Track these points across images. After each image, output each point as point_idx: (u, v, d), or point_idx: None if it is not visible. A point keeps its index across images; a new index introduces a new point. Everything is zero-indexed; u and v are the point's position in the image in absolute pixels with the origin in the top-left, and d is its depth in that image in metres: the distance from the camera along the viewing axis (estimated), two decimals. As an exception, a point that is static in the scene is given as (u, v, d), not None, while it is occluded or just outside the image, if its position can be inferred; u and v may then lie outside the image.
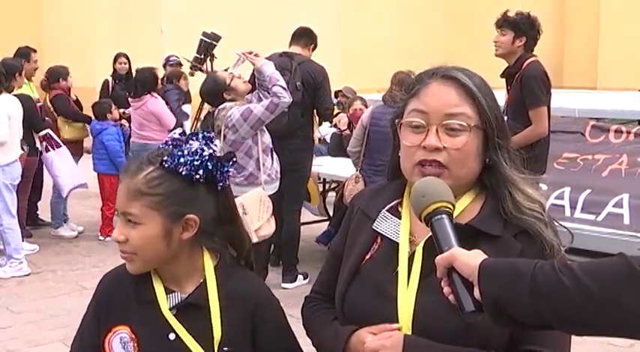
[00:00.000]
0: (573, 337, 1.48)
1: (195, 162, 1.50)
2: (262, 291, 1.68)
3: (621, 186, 5.97)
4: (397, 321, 1.43)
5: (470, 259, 1.26)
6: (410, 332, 1.42)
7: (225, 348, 1.56)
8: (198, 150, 1.51)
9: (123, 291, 1.60)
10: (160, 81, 7.71)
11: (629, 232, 5.62)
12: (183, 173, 1.50)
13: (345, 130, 7.27)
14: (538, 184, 1.60)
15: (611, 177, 6.12)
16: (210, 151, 1.52)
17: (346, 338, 1.49)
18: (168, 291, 1.58)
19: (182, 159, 1.50)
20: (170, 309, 1.57)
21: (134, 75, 7.49)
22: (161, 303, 1.57)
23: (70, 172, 6.76)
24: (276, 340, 1.65)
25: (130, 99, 7.50)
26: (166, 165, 1.51)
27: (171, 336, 1.55)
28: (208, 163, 1.51)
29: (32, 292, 5.50)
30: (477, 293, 1.24)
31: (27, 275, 5.88)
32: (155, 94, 7.33)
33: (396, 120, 1.55)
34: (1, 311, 5.10)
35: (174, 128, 7.20)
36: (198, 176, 1.51)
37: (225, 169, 1.55)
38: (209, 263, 1.61)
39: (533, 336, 1.41)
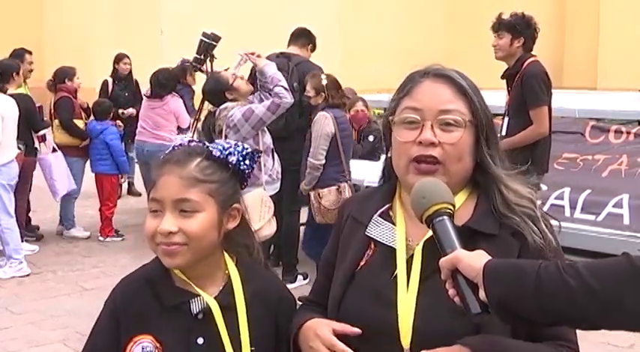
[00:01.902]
0: (573, 337, 1.49)
1: (243, 152, 1.56)
2: (282, 287, 1.70)
3: (621, 186, 5.97)
4: (397, 326, 1.42)
5: (474, 261, 1.26)
6: (410, 334, 1.41)
7: (252, 348, 1.55)
8: (238, 144, 1.58)
9: (141, 300, 1.56)
10: None
11: (629, 232, 5.62)
12: (233, 161, 1.54)
13: None
14: (538, 184, 1.61)
15: (611, 178, 6.12)
16: (246, 146, 1.59)
17: (301, 323, 1.51)
18: (192, 296, 1.54)
19: (230, 150, 1.55)
20: (197, 314, 1.53)
21: (150, 76, 7.43)
22: (204, 296, 1.54)
23: (65, 177, 6.78)
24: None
25: (147, 99, 7.48)
26: (216, 155, 1.54)
27: (200, 340, 1.52)
28: (249, 155, 1.57)
29: (32, 293, 5.50)
30: (482, 294, 1.24)
31: (27, 275, 5.87)
32: (176, 94, 7.40)
33: (390, 119, 1.54)
34: (1, 311, 5.09)
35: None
36: (245, 166, 1.56)
37: (252, 165, 1.60)
38: (231, 263, 1.60)
39: (543, 331, 1.40)
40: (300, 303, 1.70)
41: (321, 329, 1.46)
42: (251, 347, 1.54)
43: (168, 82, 7.31)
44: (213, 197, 1.51)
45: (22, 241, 6.27)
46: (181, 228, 1.48)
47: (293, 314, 1.64)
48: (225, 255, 1.61)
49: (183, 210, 1.49)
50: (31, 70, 7.58)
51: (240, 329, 1.53)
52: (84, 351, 1.62)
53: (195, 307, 1.53)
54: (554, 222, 1.53)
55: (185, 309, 1.53)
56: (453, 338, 1.38)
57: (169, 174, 1.51)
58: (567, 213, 5.95)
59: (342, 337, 1.49)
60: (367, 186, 5.30)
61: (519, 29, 4.83)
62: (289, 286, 5.75)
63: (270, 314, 1.60)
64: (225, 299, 1.55)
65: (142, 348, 1.53)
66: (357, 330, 1.44)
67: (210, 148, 1.55)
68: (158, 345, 1.53)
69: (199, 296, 1.54)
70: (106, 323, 1.59)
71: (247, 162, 1.57)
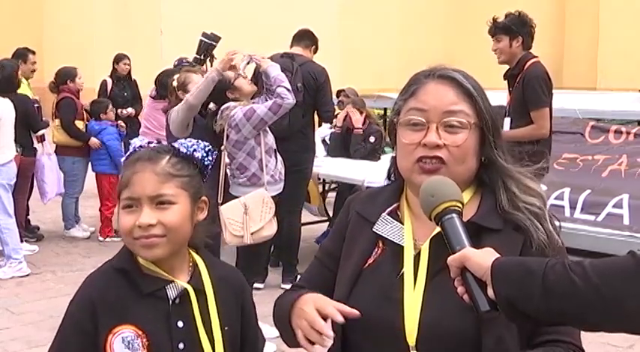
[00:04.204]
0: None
1: (205, 149, 1.66)
2: (242, 276, 1.80)
3: (621, 186, 5.98)
4: (403, 323, 1.43)
5: (482, 259, 1.27)
6: (416, 332, 1.41)
7: (226, 327, 1.63)
8: (200, 142, 1.67)
9: (116, 290, 1.60)
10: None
11: (629, 232, 5.63)
12: (199, 157, 1.65)
13: (355, 129, 7.21)
14: (541, 178, 1.61)
15: (611, 178, 6.13)
16: (207, 143, 1.69)
17: (296, 298, 1.49)
18: (166, 282, 1.61)
19: (194, 147, 1.65)
20: (175, 298, 1.60)
21: (156, 78, 7.36)
22: (178, 282, 1.60)
23: (55, 181, 6.79)
24: (251, 319, 1.75)
25: (152, 100, 7.44)
26: (183, 151, 1.63)
27: (180, 324, 1.58)
28: (210, 151, 1.68)
29: (32, 293, 5.49)
30: (490, 292, 1.25)
31: (27, 275, 5.87)
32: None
33: (395, 120, 1.55)
34: (0, 312, 5.09)
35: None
36: (208, 161, 1.67)
37: (212, 159, 1.69)
38: (194, 253, 1.69)
39: (547, 327, 1.41)
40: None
41: (307, 305, 1.45)
42: (224, 327, 1.62)
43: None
44: (186, 190, 1.60)
45: (22, 241, 6.27)
46: (160, 220, 1.55)
47: (251, 302, 1.74)
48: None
49: (160, 203, 1.57)
50: (34, 70, 7.58)
51: (210, 311, 1.61)
52: (53, 349, 1.63)
53: (172, 292, 1.60)
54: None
55: (162, 295, 1.60)
56: (459, 335, 1.39)
57: (143, 171, 1.58)
58: (567, 213, 5.96)
59: (347, 332, 1.50)
60: (368, 187, 5.30)
61: (515, 29, 4.83)
62: (289, 286, 5.77)
63: (237, 299, 1.69)
64: (197, 284, 1.63)
65: (122, 339, 1.56)
66: (354, 312, 1.42)
67: (176, 146, 1.64)
68: (141, 333, 1.56)
69: (173, 282, 1.61)
70: (80, 318, 1.60)
71: (210, 158, 1.67)
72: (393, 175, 1.65)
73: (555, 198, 6.06)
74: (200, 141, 1.68)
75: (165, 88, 7.19)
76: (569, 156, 6.46)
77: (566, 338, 1.42)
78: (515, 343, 1.40)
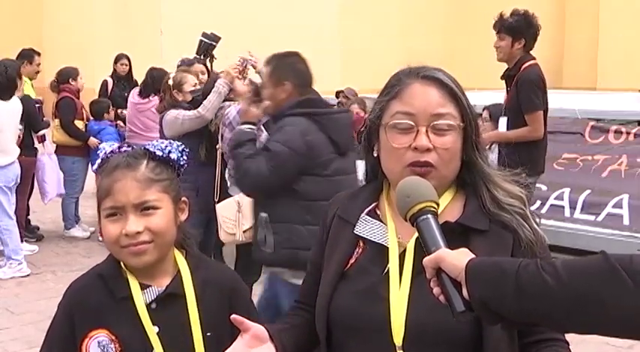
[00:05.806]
0: (572, 337, 1.48)
1: (179, 149, 1.66)
2: (235, 277, 1.77)
3: (621, 186, 5.98)
4: (389, 320, 1.43)
5: (456, 260, 1.26)
6: (403, 331, 1.41)
7: (208, 333, 1.60)
8: (172, 142, 1.67)
9: (96, 295, 1.61)
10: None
11: (629, 232, 5.63)
12: (175, 158, 1.63)
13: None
14: (532, 184, 1.61)
15: (611, 178, 6.13)
16: (179, 143, 1.69)
17: None
18: (143, 287, 1.60)
19: (169, 148, 1.64)
20: (150, 303, 1.59)
21: (145, 75, 7.26)
22: (136, 299, 1.58)
23: (55, 181, 6.78)
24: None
25: (134, 100, 7.37)
26: (159, 154, 1.61)
27: (155, 329, 1.58)
28: (185, 151, 1.67)
29: (32, 293, 5.50)
30: (465, 293, 1.24)
31: (27, 275, 5.87)
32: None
33: (377, 122, 1.53)
34: (0, 312, 5.09)
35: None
36: (183, 161, 1.66)
37: (187, 159, 1.68)
38: (179, 255, 1.67)
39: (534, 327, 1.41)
40: (292, 306, 1.71)
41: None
42: (206, 332, 1.60)
43: (154, 82, 6.81)
44: (168, 193, 1.60)
45: (22, 241, 6.27)
46: (146, 226, 1.55)
47: (247, 303, 1.72)
48: (174, 248, 1.68)
49: (144, 209, 1.56)
50: (38, 71, 7.59)
51: (190, 316, 1.59)
52: None
53: (148, 297, 1.59)
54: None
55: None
56: (445, 334, 1.39)
57: (124, 178, 1.56)
58: (567, 213, 5.96)
59: (331, 332, 1.51)
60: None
61: (521, 31, 4.83)
62: (289, 286, 5.71)
63: (224, 300, 1.65)
64: (177, 289, 1.61)
65: (98, 343, 1.57)
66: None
67: (151, 149, 1.62)
68: (114, 338, 1.56)
69: (150, 286, 1.60)
70: (62, 322, 1.62)
71: (184, 157, 1.66)
72: (371, 175, 1.63)
73: (555, 198, 6.07)
74: (173, 141, 1.68)
75: (146, 87, 7.03)
76: (569, 156, 6.46)
77: (560, 335, 1.43)
78: (500, 340, 1.40)
